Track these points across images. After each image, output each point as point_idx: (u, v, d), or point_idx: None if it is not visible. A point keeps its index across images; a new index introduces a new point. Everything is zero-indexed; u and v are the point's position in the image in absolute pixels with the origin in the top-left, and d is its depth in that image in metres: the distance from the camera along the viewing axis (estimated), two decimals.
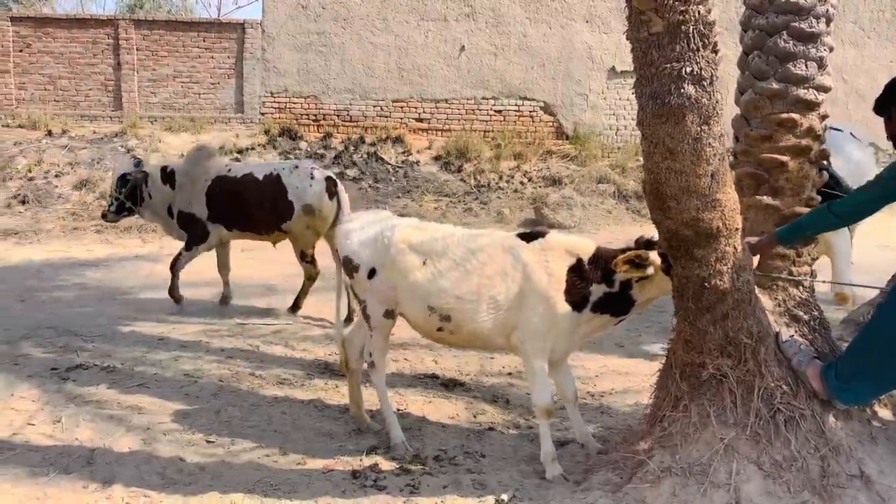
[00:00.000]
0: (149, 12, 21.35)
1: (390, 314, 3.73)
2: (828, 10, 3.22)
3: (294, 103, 14.21)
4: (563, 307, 3.36)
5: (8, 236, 9.96)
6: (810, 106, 3.25)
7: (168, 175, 6.25)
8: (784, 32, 3.21)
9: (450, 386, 4.66)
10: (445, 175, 12.89)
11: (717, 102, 2.62)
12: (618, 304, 3.42)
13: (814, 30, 3.19)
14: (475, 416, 4.20)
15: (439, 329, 3.59)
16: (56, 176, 11.88)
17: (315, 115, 14.19)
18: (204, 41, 14.13)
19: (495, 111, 14.32)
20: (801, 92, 3.22)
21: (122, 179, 6.29)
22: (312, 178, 5.98)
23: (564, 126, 14.34)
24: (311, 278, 6.23)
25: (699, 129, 2.61)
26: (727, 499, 2.79)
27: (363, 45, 14.04)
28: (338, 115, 14.19)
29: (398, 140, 13.68)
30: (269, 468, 3.47)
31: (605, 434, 3.89)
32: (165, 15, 18.71)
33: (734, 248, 2.84)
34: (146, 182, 6.27)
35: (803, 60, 3.21)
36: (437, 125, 14.27)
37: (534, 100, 14.28)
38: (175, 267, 6.27)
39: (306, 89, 14.17)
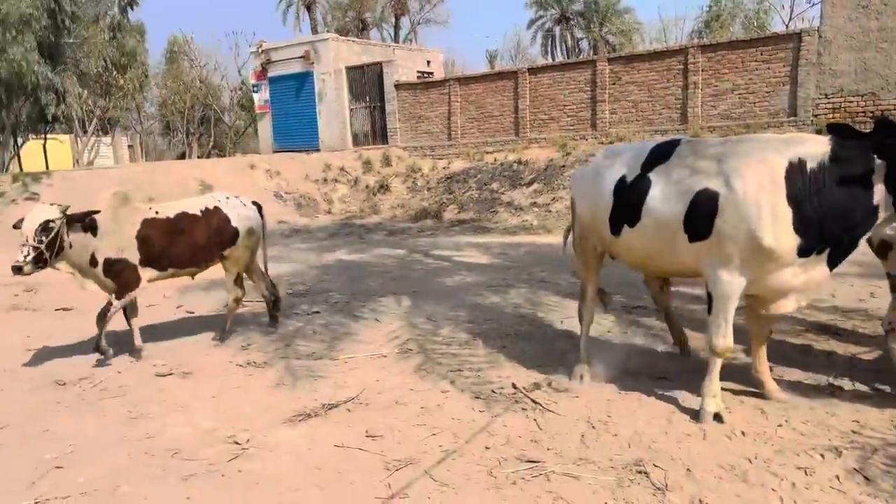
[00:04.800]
0: (714, 36, 23.52)
1: None
2: None
3: (849, 102, 14.39)
4: None
5: None
6: None
7: (89, 223, 5.92)
8: None
9: None
10: None
11: None
12: None
13: None
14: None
15: None
16: None
17: (872, 112, 14.07)
18: (760, 55, 15.57)
19: None
20: None
21: (45, 226, 5.58)
22: (245, 205, 6.80)
23: None
24: (237, 300, 6.89)
25: None
26: None
27: None
28: None
29: None
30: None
31: None
32: (727, 37, 20.67)
33: None
34: (67, 230, 5.76)
35: None
36: None
37: None
38: (103, 318, 6.06)
39: (863, 87, 14.18)
